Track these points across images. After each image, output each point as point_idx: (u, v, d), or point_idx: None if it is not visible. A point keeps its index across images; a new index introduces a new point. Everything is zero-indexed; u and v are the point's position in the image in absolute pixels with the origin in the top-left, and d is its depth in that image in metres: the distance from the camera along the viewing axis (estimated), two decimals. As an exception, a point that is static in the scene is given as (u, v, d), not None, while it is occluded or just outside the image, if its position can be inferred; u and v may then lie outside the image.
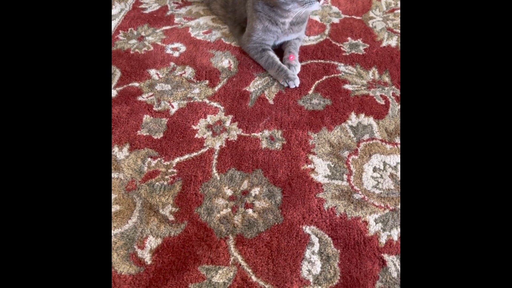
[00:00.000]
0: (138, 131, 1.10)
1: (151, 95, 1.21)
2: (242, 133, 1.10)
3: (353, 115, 1.15)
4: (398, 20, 1.56)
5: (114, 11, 1.60)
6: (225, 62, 1.34)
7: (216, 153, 1.04)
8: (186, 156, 1.03)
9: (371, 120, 1.13)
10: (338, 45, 1.42)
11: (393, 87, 1.25)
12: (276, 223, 0.89)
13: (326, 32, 1.49)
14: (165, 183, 0.97)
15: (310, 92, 1.23)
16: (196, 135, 1.09)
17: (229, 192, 0.95)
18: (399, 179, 0.98)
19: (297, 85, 1.24)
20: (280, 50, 1.38)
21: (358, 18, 1.58)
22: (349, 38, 1.46)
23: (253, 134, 1.09)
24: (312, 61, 1.35)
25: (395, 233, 0.87)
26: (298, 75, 1.27)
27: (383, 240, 0.86)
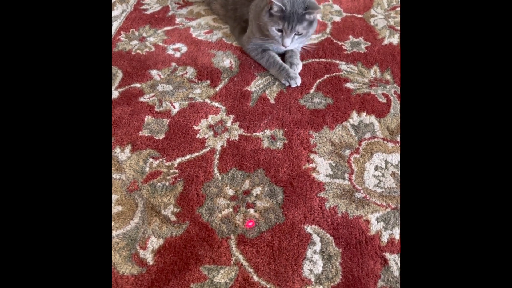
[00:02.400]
0: (140, 132, 1.10)
1: (153, 96, 1.22)
2: (244, 133, 1.10)
3: (354, 114, 1.14)
4: (399, 18, 1.55)
5: (115, 12, 1.61)
6: (226, 62, 1.34)
7: (217, 153, 1.04)
8: (188, 157, 1.04)
9: (372, 119, 1.13)
10: (340, 44, 1.42)
11: (395, 85, 1.24)
12: (278, 223, 0.89)
13: (328, 30, 1.49)
14: (167, 183, 0.97)
15: (312, 91, 1.23)
16: (198, 135, 1.09)
17: (230, 192, 0.95)
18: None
19: (299, 84, 1.24)
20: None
21: (360, 16, 1.57)
22: (350, 37, 1.46)
23: (254, 133, 1.10)
24: (313, 59, 1.35)
25: (397, 232, 0.87)
26: (300, 74, 1.27)
27: (384, 239, 0.86)
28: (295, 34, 1.16)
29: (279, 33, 1.17)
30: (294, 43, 1.18)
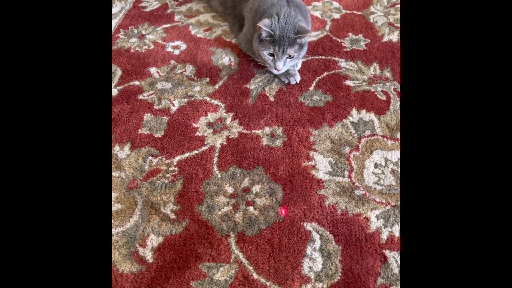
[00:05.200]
0: (139, 130, 1.10)
1: (152, 94, 1.21)
2: (243, 131, 1.09)
3: (354, 111, 1.14)
4: (399, 15, 1.55)
5: (114, 10, 1.60)
6: (225, 59, 1.34)
7: (217, 150, 1.04)
8: (187, 154, 1.04)
9: (372, 116, 1.13)
10: (339, 41, 1.42)
11: (395, 82, 1.24)
12: (277, 220, 0.89)
13: (327, 27, 1.49)
14: (166, 181, 0.97)
15: (311, 88, 1.23)
16: (197, 133, 1.09)
17: (230, 190, 0.95)
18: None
19: (298, 82, 1.24)
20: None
21: (359, 13, 1.57)
22: (350, 34, 1.45)
23: (254, 131, 1.09)
24: (312, 57, 1.34)
25: (397, 229, 0.87)
26: (299, 71, 1.27)
27: (384, 236, 0.86)
28: (286, 57, 1.16)
29: (271, 57, 1.18)
30: (286, 66, 1.19)
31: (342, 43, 1.40)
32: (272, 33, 1.13)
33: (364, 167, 1.00)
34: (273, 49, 1.15)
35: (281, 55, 1.15)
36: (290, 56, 1.16)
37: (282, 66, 1.16)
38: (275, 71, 1.19)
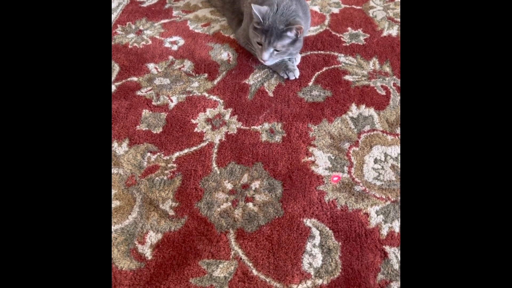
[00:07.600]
0: (137, 126, 1.09)
1: (150, 90, 1.21)
2: (242, 126, 1.09)
3: (353, 106, 1.14)
4: (398, 9, 1.54)
5: (112, 5, 1.59)
6: (224, 55, 1.33)
7: (215, 147, 1.04)
8: (186, 151, 1.03)
9: (372, 111, 1.12)
10: (338, 36, 1.41)
11: (394, 77, 1.23)
12: (277, 217, 0.89)
13: (326, 22, 1.48)
14: (165, 178, 0.97)
15: (310, 83, 1.22)
16: (196, 129, 1.08)
17: (229, 186, 0.95)
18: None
19: (297, 77, 1.23)
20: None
21: (358, 7, 1.56)
22: (349, 28, 1.44)
23: (253, 127, 1.09)
24: (312, 52, 1.34)
25: (397, 225, 0.87)
26: (298, 66, 1.26)
27: (384, 232, 0.86)
28: (274, 50, 1.15)
29: (259, 46, 1.17)
30: (273, 59, 1.17)
31: (341, 38, 1.39)
32: (261, 20, 1.12)
33: (364, 163, 0.99)
34: (261, 38, 1.14)
35: (267, 46, 1.13)
36: (277, 49, 1.15)
37: (268, 57, 1.15)
38: (262, 62, 1.18)
